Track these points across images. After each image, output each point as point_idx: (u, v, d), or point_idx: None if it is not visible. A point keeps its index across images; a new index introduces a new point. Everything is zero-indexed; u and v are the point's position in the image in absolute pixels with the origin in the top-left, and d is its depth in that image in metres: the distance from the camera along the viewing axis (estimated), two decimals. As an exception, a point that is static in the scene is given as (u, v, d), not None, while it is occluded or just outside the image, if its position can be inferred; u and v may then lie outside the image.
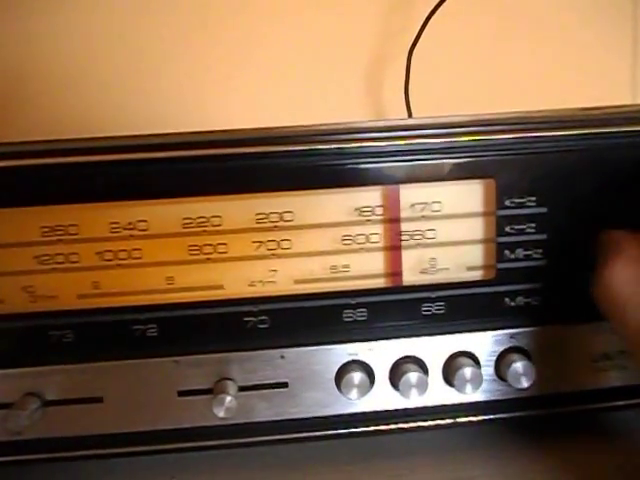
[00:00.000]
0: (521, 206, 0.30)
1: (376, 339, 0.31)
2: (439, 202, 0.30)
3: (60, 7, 0.52)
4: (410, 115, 0.52)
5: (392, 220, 0.30)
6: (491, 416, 0.32)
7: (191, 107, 0.54)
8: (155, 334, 0.30)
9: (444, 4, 0.51)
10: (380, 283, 0.31)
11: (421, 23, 0.51)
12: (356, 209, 0.30)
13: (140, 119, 0.53)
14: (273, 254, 0.30)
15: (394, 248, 0.31)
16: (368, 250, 0.31)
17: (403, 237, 0.30)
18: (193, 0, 0.53)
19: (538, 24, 0.55)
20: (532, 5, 0.55)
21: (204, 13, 0.53)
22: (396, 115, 0.54)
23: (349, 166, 0.30)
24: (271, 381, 0.31)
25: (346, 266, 0.31)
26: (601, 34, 0.56)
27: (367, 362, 0.31)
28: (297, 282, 0.31)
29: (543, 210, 0.30)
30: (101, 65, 0.53)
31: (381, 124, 0.31)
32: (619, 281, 0.28)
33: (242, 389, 0.31)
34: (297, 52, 0.54)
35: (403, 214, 0.30)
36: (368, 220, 0.30)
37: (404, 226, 0.30)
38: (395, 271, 0.31)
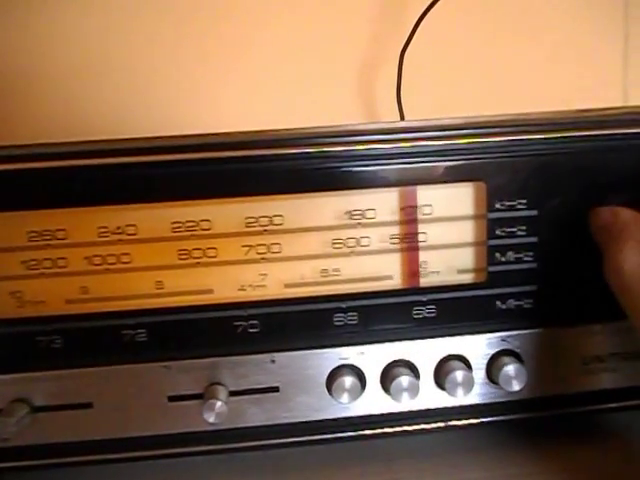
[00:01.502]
0: (512, 209, 0.30)
1: (367, 343, 0.31)
2: (430, 205, 0.30)
3: (57, 7, 0.51)
4: (402, 117, 0.52)
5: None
6: (483, 419, 0.32)
7: (184, 108, 0.54)
8: (145, 339, 0.30)
9: (435, 6, 0.51)
10: (371, 287, 0.31)
11: (413, 25, 0.51)
12: (346, 212, 0.30)
13: (134, 121, 0.53)
14: (263, 258, 0.30)
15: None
16: (358, 254, 0.30)
17: (393, 240, 0.30)
18: (187, 3, 0.53)
19: (529, 25, 0.55)
20: (523, 6, 0.55)
21: (197, 16, 0.53)
22: (389, 117, 0.54)
23: (340, 169, 0.30)
24: (262, 386, 0.31)
25: (337, 270, 0.31)
26: (592, 32, 0.56)
27: (358, 366, 0.31)
28: (287, 286, 0.30)
29: (534, 213, 0.30)
30: (95, 67, 0.53)
31: (371, 127, 0.31)
32: (630, 265, 0.27)
33: (233, 394, 0.31)
34: (289, 55, 0.54)
35: (394, 217, 0.30)
36: (359, 223, 0.30)
37: (395, 229, 0.30)
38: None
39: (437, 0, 0.50)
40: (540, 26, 0.56)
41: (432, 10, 0.51)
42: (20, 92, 0.52)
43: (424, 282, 0.31)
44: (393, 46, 0.53)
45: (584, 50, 0.56)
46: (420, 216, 0.30)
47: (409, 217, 0.30)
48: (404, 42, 0.52)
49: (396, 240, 0.30)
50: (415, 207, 0.30)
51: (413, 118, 0.50)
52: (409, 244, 0.31)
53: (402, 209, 0.30)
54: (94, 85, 0.53)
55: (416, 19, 0.51)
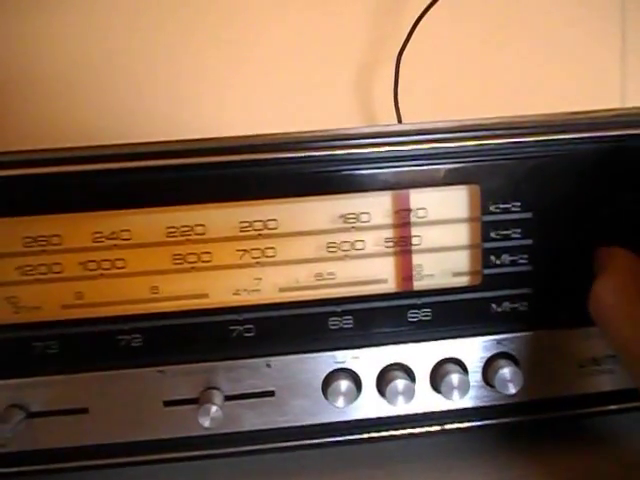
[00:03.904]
0: (506, 212, 0.30)
1: (362, 347, 0.31)
2: (424, 208, 0.30)
3: (56, 9, 0.51)
4: (400, 120, 0.52)
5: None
6: (479, 422, 0.32)
7: (184, 112, 0.54)
8: (140, 344, 0.30)
9: (432, 8, 0.51)
10: (366, 290, 0.31)
11: (410, 28, 0.51)
12: (341, 216, 0.30)
13: (133, 125, 0.53)
14: (257, 262, 0.30)
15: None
16: (353, 257, 0.30)
17: (388, 244, 0.30)
18: (188, 5, 0.53)
19: (526, 27, 0.55)
20: (520, 8, 0.55)
21: (196, 19, 0.53)
22: (386, 120, 0.54)
23: (335, 173, 0.30)
24: (257, 390, 0.31)
25: (331, 273, 0.31)
26: (589, 35, 0.56)
27: (354, 370, 0.31)
28: (282, 290, 0.30)
29: (528, 215, 0.30)
30: (95, 70, 0.53)
31: (365, 130, 0.31)
32: (605, 290, 0.28)
33: (228, 398, 0.31)
34: (286, 58, 0.54)
35: (388, 221, 0.30)
36: (353, 227, 0.30)
37: (389, 233, 0.30)
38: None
39: (434, 2, 0.51)
40: (536, 28, 0.56)
41: (429, 12, 0.51)
42: (18, 96, 0.52)
43: (419, 285, 0.31)
44: (390, 49, 0.53)
45: (581, 51, 0.56)
46: (415, 219, 0.30)
47: (404, 220, 0.30)
48: (401, 45, 0.52)
49: (391, 243, 0.30)
50: (410, 210, 0.30)
51: (410, 121, 0.50)
52: (404, 247, 0.30)
53: (396, 212, 0.30)
54: (94, 89, 0.53)
55: (413, 21, 0.51)
